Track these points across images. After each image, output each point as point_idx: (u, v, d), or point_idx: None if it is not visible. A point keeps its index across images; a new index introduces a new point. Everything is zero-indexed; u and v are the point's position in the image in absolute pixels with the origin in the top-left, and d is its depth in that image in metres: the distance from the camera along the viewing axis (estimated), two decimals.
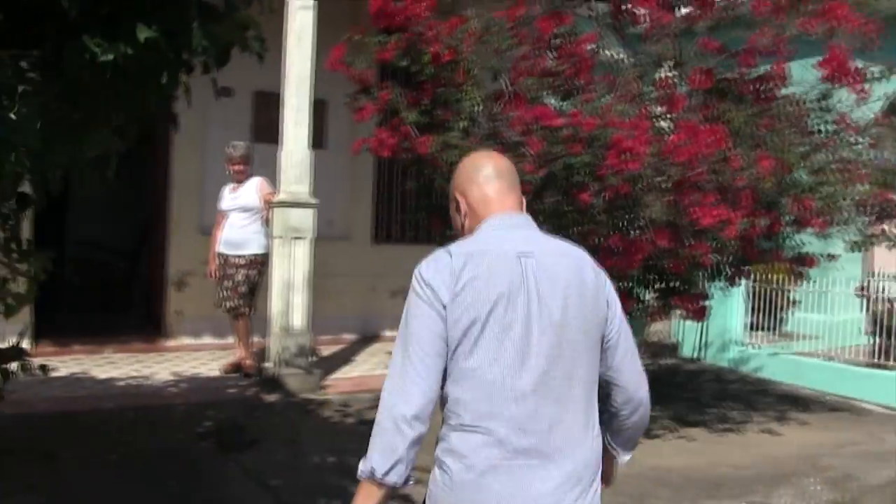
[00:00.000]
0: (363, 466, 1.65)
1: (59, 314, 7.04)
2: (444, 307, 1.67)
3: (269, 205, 5.95)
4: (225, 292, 5.94)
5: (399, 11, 4.21)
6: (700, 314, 4.87)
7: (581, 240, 4.40)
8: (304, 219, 5.93)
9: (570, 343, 1.73)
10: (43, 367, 3.23)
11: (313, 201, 5.94)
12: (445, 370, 1.70)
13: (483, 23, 4.36)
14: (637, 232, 4.38)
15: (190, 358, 6.77)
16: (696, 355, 8.06)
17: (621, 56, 4.89)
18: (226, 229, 5.99)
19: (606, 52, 4.83)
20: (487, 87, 4.60)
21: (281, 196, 5.92)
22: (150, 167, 7.85)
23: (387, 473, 1.62)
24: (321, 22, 5.90)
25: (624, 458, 2.02)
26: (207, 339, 7.31)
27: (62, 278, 11.82)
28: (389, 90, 4.85)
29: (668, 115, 4.45)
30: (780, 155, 4.29)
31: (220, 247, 5.99)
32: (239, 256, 5.91)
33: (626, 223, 4.26)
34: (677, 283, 4.86)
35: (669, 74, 4.76)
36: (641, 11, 4.79)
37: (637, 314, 5.11)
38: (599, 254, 4.23)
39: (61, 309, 7.17)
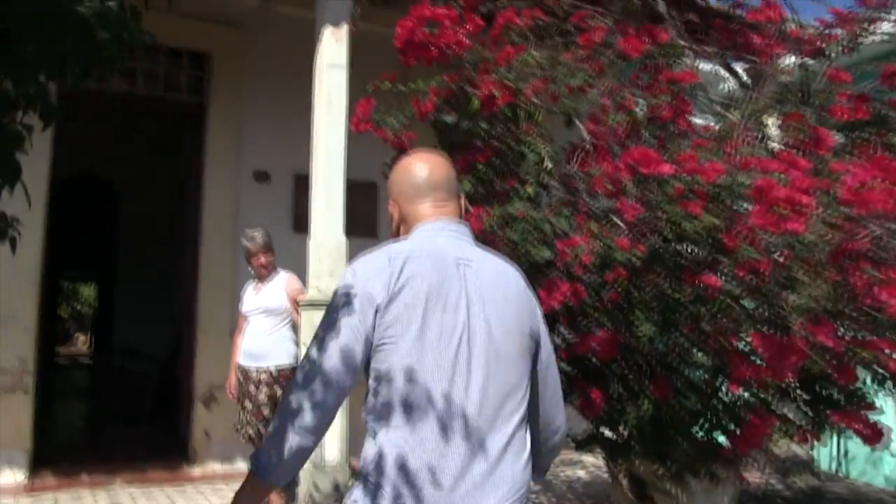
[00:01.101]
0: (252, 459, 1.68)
1: (75, 432, 6.26)
2: (377, 311, 1.64)
3: (298, 305, 4.87)
4: (245, 415, 4.82)
5: (434, 40, 3.13)
6: (875, 437, 3.48)
7: (701, 341, 3.16)
8: None
9: (508, 356, 1.70)
10: None
11: None
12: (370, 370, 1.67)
13: (547, 53, 3.24)
14: (775, 326, 3.08)
15: (213, 492, 5.62)
16: (835, 470, 6.51)
17: (732, 92, 3.70)
18: (247, 337, 4.90)
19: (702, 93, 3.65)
20: (558, 140, 3.45)
21: (310, 293, 4.83)
22: (178, 262, 6.95)
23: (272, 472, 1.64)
24: (358, 81, 4.94)
25: (538, 478, 1.95)
26: (240, 465, 6.20)
27: (87, 392, 11.08)
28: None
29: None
30: None
31: (240, 358, 4.90)
32: (262, 370, 4.80)
33: (767, 314, 2.98)
34: (834, 392, 3.50)
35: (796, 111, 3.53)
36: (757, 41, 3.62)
37: (776, 436, 3.74)
38: (730, 360, 2.97)
39: (79, 425, 6.43)
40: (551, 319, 3.56)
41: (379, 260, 1.69)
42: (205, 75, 6.76)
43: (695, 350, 3.24)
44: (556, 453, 2.00)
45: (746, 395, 3.31)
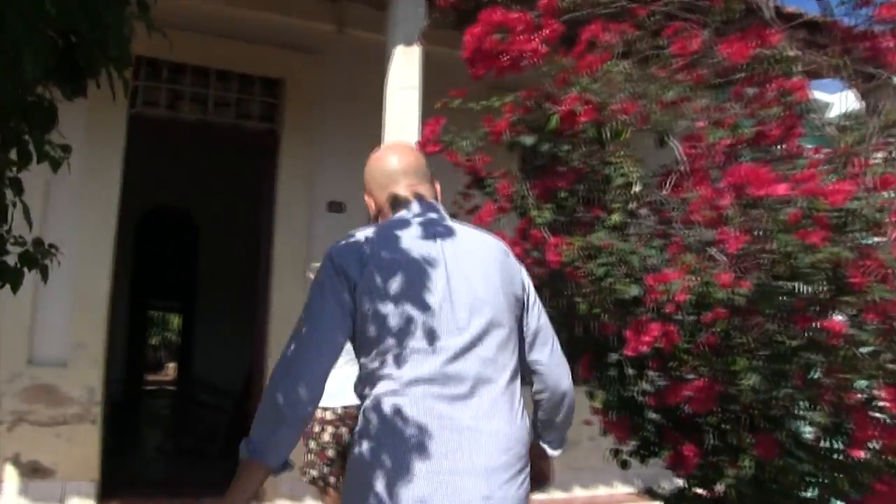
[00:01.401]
0: (242, 447, 1.65)
1: (147, 463, 6.15)
2: (355, 288, 1.68)
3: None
4: (309, 456, 4.54)
5: (505, 48, 2.81)
6: None
7: (815, 394, 2.72)
8: None
9: (496, 310, 1.75)
10: None
11: None
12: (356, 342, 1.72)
13: (636, 65, 2.89)
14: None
15: None
16: None
17: (850, 112, 3.26)
18: None
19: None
20: (648, 163, 3.09)
21: None
22: (252, 294, 6.78)
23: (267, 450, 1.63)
24: (431, 105, 4.68)
25: (554, 453, 2.00)
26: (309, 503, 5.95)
27: (165, 421, 11.10)
28: (509, 179, 3.44)
29: None
30: None
31: None
32: (327, 409, 4.51)
33: None
34: None
35: None
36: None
37: None
38: (853, 418, 2.52)
39: (151, 455, 6.32)
40: (638, 363, 3.17)
41: (354, 239, 1.75)
42: (277, 101, 6.63)
43: (806, 404, 2.80)
44: (569, 423, 1.99)
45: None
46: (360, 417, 1.71)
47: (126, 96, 1.92)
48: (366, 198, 1.97)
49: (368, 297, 1.67)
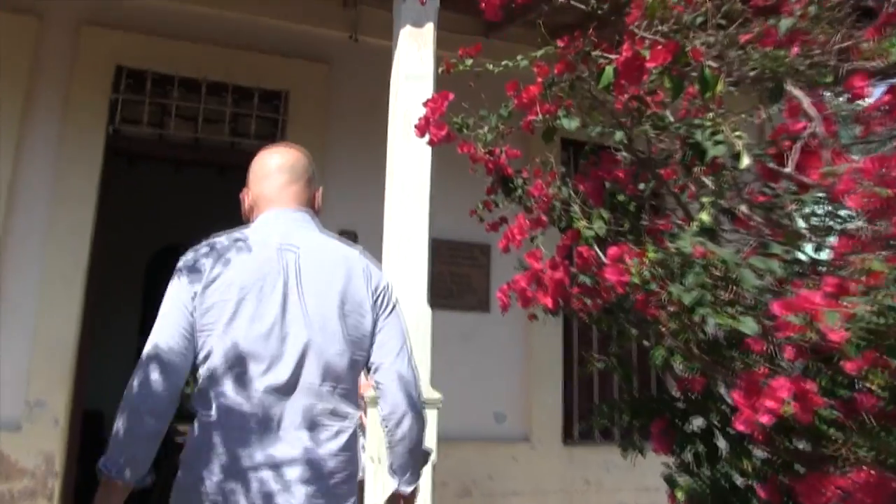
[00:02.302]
0: (102, 461, 1.64)
1: None
2: (195, 296, 1.70)
3: (366, 403, 3.63)
4: None
5: None
6: None
7: None
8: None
9: (331, 336, 1.74)
10: None
11: (434, 396, 3.50)
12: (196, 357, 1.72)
13: None
14: None
15: None
16: None
17: None
18: None
19: None
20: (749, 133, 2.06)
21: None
22: None
23: (123, 467, 1.62)
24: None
25: (405, 488, 1.91)
26: None
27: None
28: (546, 177, 2.45)
29: None
30: None
31: None
32: None
33: None
34: None
35: None
36: None
37: None
38: None
39: None
40: (738, 435, 2.12)
41: (203, 248, 1.77)
42: (279, 117, 5.74)
43: None
44: (417, 454, 1.89)
45: None
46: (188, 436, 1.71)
47: None
48: (242, 192, 1.99)
49: (202, 314, 1.68)
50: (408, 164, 3.63)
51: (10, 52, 4.91)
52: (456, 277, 5.78)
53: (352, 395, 1.80)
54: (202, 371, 1.70)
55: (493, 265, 5.98)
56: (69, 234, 4.92)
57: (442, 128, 2.42)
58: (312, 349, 1.70)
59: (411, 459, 1.91)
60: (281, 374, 1.68)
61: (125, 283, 8.62)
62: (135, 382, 1.63)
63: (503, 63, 2.26)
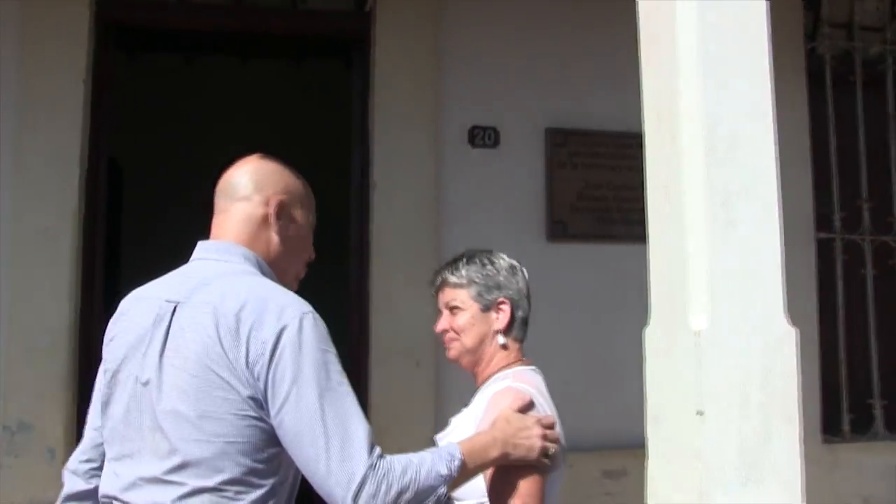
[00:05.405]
0: None
1: None
2: (104, 358, 1.58)
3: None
4: None
5: None
6: None
7: None
8: None
9: (184, 424, 1.39)
10: None
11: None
12: None
13: None
14: None
15: None
16: None
17: None
18: None
19: None
20: None
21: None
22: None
23: None
24: None
25: None
26: None
27: None
28: None
29: None
30: None
31: None
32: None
33: None
34: None
35: None
36: None
37: None
38: None
39: None
40: None
41: (123, 303, 1.60)
42: None
43: None
44: None
45: None
46: None
47: None
48: None
49: (103, 371, 1.55)
50: None
51: None
52: None
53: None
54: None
55: None
56: (52, 161, 3.26)
57: None
58: (159, 434, 1.42)
59: None
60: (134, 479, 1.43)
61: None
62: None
63: None
